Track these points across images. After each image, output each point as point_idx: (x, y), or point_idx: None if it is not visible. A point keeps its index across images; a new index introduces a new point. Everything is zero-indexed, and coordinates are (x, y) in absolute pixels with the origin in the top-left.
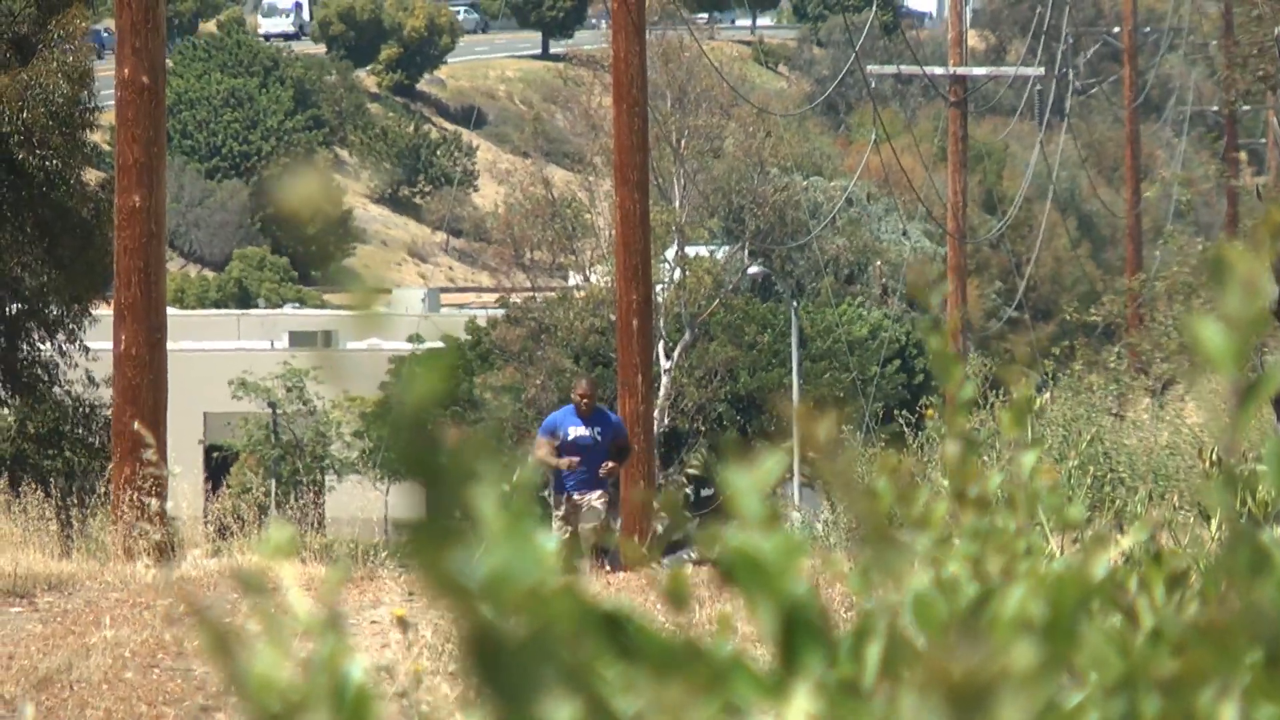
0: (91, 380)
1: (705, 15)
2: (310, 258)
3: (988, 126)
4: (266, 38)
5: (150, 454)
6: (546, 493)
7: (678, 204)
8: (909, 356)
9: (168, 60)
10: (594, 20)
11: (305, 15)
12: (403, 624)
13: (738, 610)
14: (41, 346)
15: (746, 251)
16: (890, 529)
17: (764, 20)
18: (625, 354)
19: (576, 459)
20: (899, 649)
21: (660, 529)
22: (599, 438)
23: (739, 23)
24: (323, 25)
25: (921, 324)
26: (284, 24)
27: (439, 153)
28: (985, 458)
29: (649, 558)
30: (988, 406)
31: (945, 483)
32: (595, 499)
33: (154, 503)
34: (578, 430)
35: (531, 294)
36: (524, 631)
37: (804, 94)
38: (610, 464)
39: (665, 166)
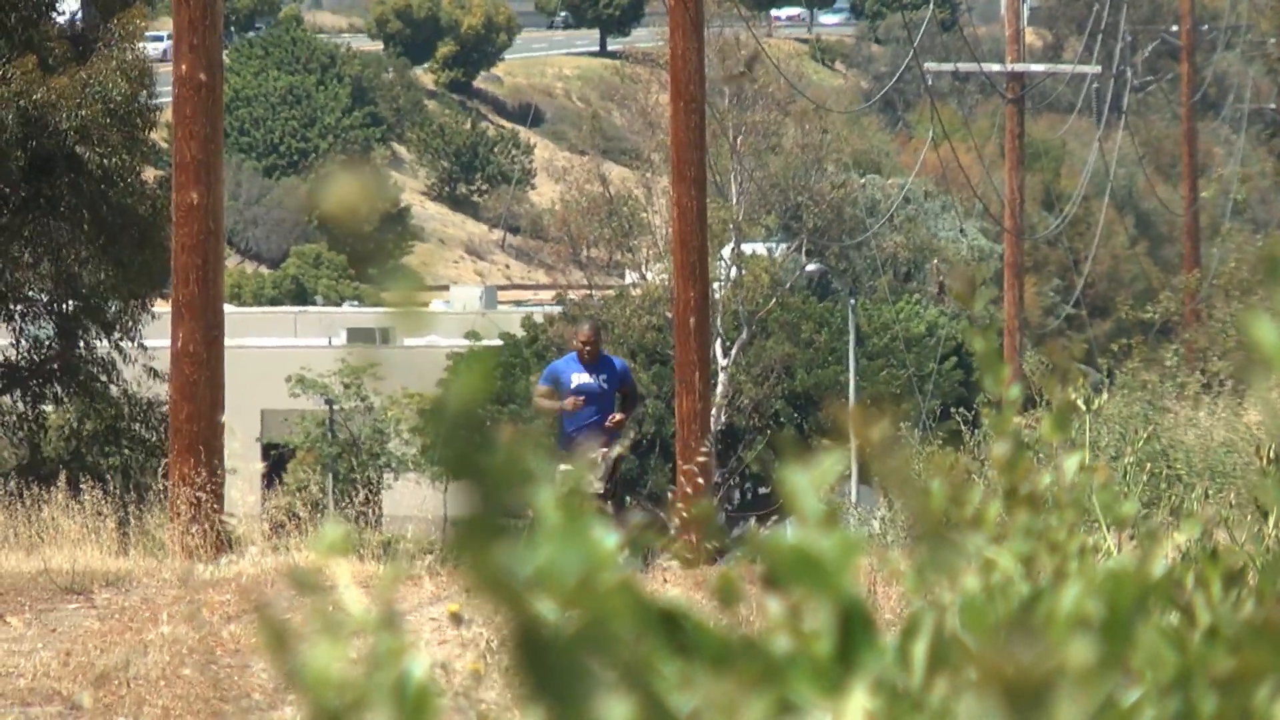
0: (154, 373)
1: (763, 12)
2: (364, 255)
3: (1045, 124)
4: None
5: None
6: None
7: (735, 201)
8: (966, 354)
9: (225, 57)
10: (651, 18)
11: None
12: (456, 619)
13: (784, 611)
14: (98, 344)
15: (804, 249)
16: (945, 527)
17: (824, 17)
18: (683, 351)
19: (581, 398)
20: (948, 648)
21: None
22: (604, 385)
23: (790, 16)
24: (380, 22)
25: (968, 326)
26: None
27: (496, 150)
28: (1039, 455)
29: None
30: (1043, 404)
31: (1000, 480)
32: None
33: (211, 500)
34: (581, 378)
35: (589, 291)
36: (570, 628)
37: (861, 91)
38: (618, 415)
39: (722, 163)
